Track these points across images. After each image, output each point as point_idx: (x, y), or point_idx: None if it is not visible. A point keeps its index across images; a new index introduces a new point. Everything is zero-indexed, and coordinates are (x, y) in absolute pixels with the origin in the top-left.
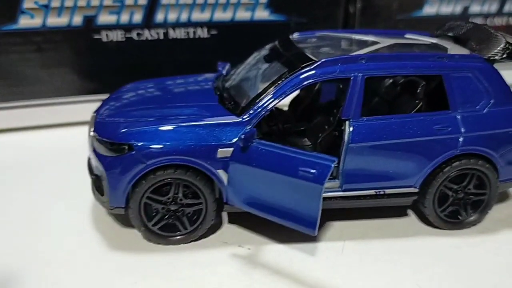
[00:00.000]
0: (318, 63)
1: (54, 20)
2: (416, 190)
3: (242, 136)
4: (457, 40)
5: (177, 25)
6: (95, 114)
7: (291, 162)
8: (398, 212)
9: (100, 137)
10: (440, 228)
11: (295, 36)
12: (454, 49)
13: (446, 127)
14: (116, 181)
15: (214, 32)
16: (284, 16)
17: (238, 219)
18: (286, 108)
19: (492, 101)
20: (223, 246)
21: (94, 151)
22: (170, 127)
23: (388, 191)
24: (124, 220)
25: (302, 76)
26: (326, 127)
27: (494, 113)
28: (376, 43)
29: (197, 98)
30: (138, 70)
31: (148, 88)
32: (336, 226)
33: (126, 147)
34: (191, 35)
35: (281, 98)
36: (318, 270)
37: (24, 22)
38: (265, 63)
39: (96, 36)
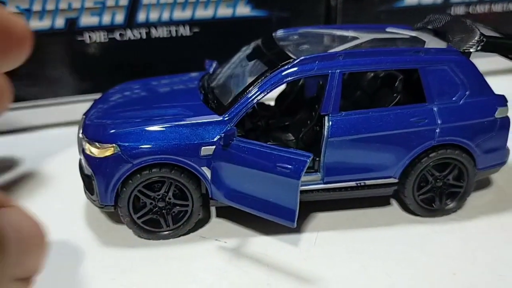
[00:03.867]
0: (297, 61)
1: (36, 24)
2: (396, 180)
3: (222, 135)
4: (436, 33)
5: (159, 24)
6: (84, 117)
7: (269, 159)
8: (374, 202)
9: (88, 138)
10: (421, 216)
11: (278, 33)
12: (432, 42)
13: (423, 119)
14: (104, 181)
15: (196, 30)
16: (266, 11)
17: (220, 213)
18: (273, 103)
19: (467, 92)
20: (200, 240)
21: (83, 152)
22: (155, 128)
23: (368, 182)
24: (114, 218)
25: (282, 74)
26: (308, 122)
27: (470, 104)
28: (356, 38)
29: (182, 98)
30: (123, 70)
31: (135, 89)
32: (311, 218)
33: (113, 148)
34: (174, 34)
35: (262, 96)
36: (291, 261)
37: None
38: (248, 62)
39: (80, 38)
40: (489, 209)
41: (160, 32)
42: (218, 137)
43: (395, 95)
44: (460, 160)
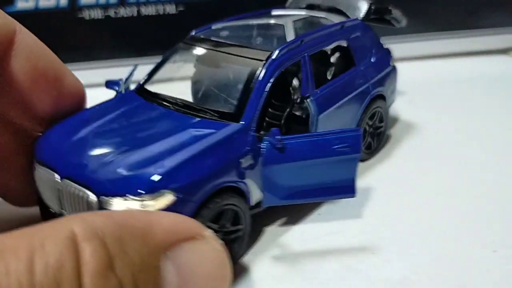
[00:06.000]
0: (276, 52)
1: (44, 3)
2: None
3: (277, 138)
4: (329, 9)
5: (148, 3)
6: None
7: (325, 145)
8: None
9: (114, 194)
10: (363, 161)
11: (200, 34)
12: (337, 18)
13: (361, 79)
14: None
15: (181, 8)
16: None
17: None
18: None
19: (373, 51)
20: None
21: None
22: (189, 158)
23: None
24: None
25: (273, 67)
26: (287, 107)
27: (378, 60)
28: (280, 25)
29: (170, 124)
30: (117, 44)
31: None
32: None
33: (169, 194)
34: (161, 12)
35: (266, 92)
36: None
37: (21, 5)
38: (211, 68)
39: (80, 15)
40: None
41: (150, 10)
42: (250, 142)
43: (338, 65)
44: (381, 107)
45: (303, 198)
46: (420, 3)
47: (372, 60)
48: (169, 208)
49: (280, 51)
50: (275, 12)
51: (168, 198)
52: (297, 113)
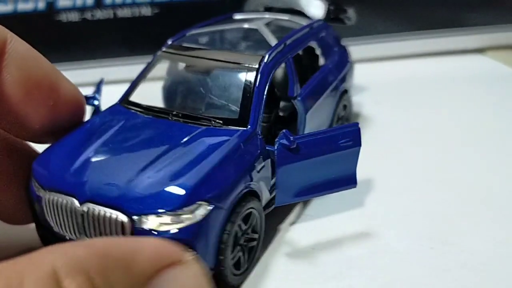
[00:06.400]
0: (268, 55)
1: (23, 6)
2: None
3: (291, 139)
4: (291, 11)
5: (124, 5)
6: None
7: (331, 141)
8: None
9: (148, 211)
10: None
11: (179, 41)
12: (299, 19)
13: (331, 76)
14: (205, 248)
15: (156, 11)
16: None
17: None
18: None
19: (336, 49)
20: None
21: (143, 232)
22: (212, 167)
23: None
24: None
25: (268, 69)
26: (274, 108)
27: (340, 57)
28: (254, 29)
29: (177, 135)
30: (94, 46)
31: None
32: None
33: (205, 204)
34: (137, 14)
35: (265, 95)
36: None
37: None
38: (201, 75)
39: (57, 18)
40: None
41: (126, 12)
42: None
43: (310, 65)
44: (347, 100)
45: (311, 194)
46: (395, 3)
47: (336, 57)
48: (206, 219)
49: (269, 54)
50: (237, 17)
51: (204, 209)
52: (281, 114)
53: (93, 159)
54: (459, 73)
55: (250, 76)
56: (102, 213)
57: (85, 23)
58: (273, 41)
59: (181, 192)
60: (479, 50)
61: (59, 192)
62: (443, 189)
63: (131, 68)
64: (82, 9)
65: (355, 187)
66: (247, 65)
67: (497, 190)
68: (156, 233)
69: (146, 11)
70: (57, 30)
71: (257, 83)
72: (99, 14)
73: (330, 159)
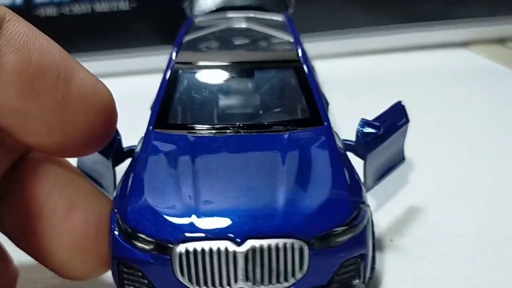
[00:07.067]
0: (299, 49)
1: (0, 1)
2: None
3: (377, 124)
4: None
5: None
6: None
7: (393, 122)
8: None
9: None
10: None
11: (189, 51)
12: (267, 15)
13: None
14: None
15: (134, 5)
16: None
17: None
18: None
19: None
20: None
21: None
22: (344, 173)
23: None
24: None
25: (307, 63)
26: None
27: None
28: (249, 29)
29: (269, 149)
30: (72, 42)
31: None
32: None
33: (364, 206)
34: (114, 9)
35: (319, 87)
36: None
37: None
38: (240, 81)
39: (35, 13)
40: None
41: (103, 7)
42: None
43: None
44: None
45: (381, 177)
46: None
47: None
48: (369, 220)
49: (299, 46)
50: (200, 19)
51: (365, 211)
52: None
53: (210, 192)
54: (441, 67)
55: (299, 71)
56: (273, 246)
57: (63, 18)
58: (277, 35)
59: (343, 200)
60: (462, 44)
61: (201, 240)
62: (421, 185)
63: (107, 63)
64: (59, 4)
65: (404, 162)
66: (288, 61)
67: (480, 185)
68: (333, 250)
69: (124, 5)
70: (35, 25)
71: (308, 76)
72: (77, 9)
73: (393, 139)
